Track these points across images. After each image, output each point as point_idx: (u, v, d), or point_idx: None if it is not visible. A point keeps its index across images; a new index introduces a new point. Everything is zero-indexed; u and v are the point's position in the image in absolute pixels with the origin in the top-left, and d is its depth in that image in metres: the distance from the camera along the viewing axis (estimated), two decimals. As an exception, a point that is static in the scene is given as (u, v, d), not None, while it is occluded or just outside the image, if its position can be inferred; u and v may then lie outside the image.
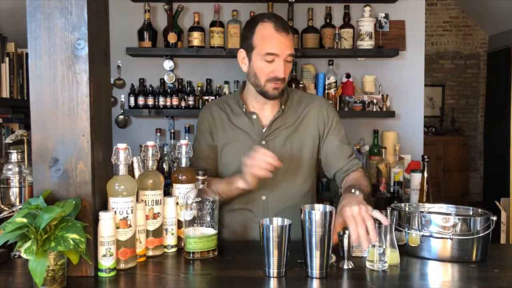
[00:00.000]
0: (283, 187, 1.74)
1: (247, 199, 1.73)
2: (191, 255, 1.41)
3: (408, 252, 1.47)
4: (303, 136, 1.77)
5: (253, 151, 1.55)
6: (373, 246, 1.33)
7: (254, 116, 1.77)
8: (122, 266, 1.32)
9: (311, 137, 1.78)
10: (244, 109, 1.77)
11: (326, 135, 1.79)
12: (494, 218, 1.45)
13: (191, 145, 1.59)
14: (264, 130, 1.76)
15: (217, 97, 3.02)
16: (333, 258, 1.36)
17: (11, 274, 1.33)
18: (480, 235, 1.41)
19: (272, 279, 1.26)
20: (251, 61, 1.70)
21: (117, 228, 1.30)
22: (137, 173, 1.59)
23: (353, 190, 1.52)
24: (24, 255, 1.12)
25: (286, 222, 1.30)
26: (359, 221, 1.33)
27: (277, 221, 1.32)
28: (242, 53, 1.74)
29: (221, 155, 1.79)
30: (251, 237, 1.73)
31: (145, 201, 1.43)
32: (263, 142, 1.74)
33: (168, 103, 3.01)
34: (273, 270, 1.26)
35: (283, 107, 1.77)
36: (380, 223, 1.35)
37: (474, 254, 1.41)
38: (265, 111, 1.78)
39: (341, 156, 1.77)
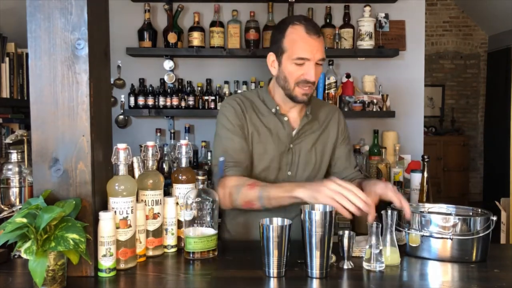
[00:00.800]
0: None
1: None
2: (191, 255, 1.41)
3: (408, 252, 1.47)
4: (325, 143, 1.81)
5: (344, 183, 1.40)
6: (370, 246, 1.33)
7: (286, 118, 1.74)
8: (122, 266, 1.32)
9: (332, 144, 1.83)
10: (276, 109, 1.74)
11: (339, 144, 1.85)
12: (494, 218, 1.45)
13: (191, 145, 1.59)
14: (293, 133, 1.75)
15: (217, 97, 3.02)
16: (333, 258, 1.36)
17: (11, 274, 1.33)
18: (480, 235, 1.41)
19: (272, 279, 1.26)
20: (281, 64, 1.67)
21: (117, 228, 1.30)
22: (137, 173, 1.59)
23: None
24: (24, 255, 1.12)
25: (286, 222, 1.30)
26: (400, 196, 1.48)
27: (277, 221, 1.32)
28: (271, 57, 1.71)
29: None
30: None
31: (145, 201, 1.43)
32: (291, 146, 1.74)
33: (168, 103, 3.01)
34: (273, 270, 1.26)
35: (308, 112, 1.77)
36: (378, 223, 1.35)
37: (474, 254, 1.41)
38: (292, 114, 1.77)
39: (349, 166, 1.86)
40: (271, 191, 1.54)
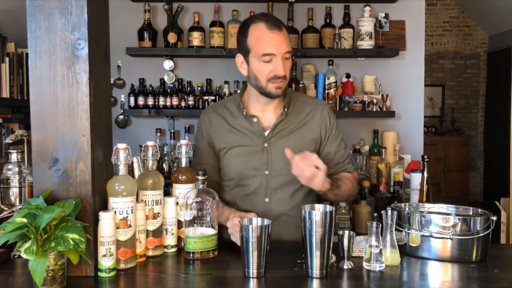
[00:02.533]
0: (286, 189, 1.75)
1: (251, 202, 1.74)
2: (191, 255, 1.41)
3: (408, 252, 1.47)
4: (306, 140, 1.78)
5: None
6: (370, 246, 1.33)
7: (255, 119, 1.75)
8: (122, 266, 1.32)
9: (313, 141, 1.79)
10: (244, 112, 1.76)
11: (326, 140, 1.81)
12: (494, 218, 1.45)
13: (191, 145, 1.60)
14: (266, 132, 1.75)
15: (217, 97, 3.02)
16: (333, 258, 1.36)
17: (11, 274, 1.33)
18: (480, 235, 1.41)
19: (271, 279, 1.26)
20: (249, 64, 1.69)
21: (117, 228, 1.30)
22: (137, 173, 1.59)
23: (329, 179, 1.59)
24: (24, 255, 1.12)
25: (266, 222, 1.29)
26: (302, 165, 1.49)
27: (256, 221, 1.32)
28: (240, 58, 1.73)
29: (223, 159, 1.77)
30: None
31: (145, 201, 1.43)
32: (266, 145, 1.74)
33: (168, 103, 3.01)
34: (253, 270, 1.26)
35: (286, 110, 1.76)
36: (378, 223, 1.35)
37: (474, 254, 1.41)
38: (267, 113, 1.77)
39: (336, 161, 1.82)
40: (221, 211, 1.63)
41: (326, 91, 3.00)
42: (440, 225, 1.42)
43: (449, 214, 1.51)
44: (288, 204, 1.75)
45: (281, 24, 1.67)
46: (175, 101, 3.00)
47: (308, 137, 1.78)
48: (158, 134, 3.09)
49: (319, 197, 1.86)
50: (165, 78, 3.11)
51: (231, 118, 1.78)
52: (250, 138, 1.75)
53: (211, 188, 1.60)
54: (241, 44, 1.70)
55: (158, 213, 1.44)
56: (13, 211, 1.48)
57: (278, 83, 1.66)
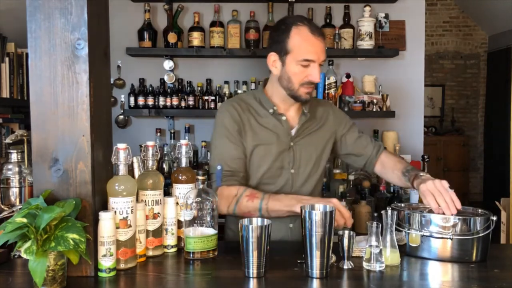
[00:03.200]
0: (307, 187, 1.77)
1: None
2: (191, 255, 1.41)
3: (408, 252, 1.47)
4: (323, 140, 1.82)
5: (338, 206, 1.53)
6: (370, 246, 1.33)
7: (284, 118, 1.75)
8: (122, 266, 1.32)
9: (330, 139, 1.84)
10: (273, 110, 1.74)
11: (346, 132, 1.86)
12: (494, 218, 1.45)
13: (191, 145, 1.59)
14: (293, 131, 1.76)
15: (217, 97, 3.02)
16: (333, 258, 1.36)
17: (11, 274, 1.33)
18: (480, 235, 1.41)
19: (271, 279, 1.26)
20: (284, 65, 1.67)
21: (117, 228, 1.30)
22: (137, 173, 1.59)
23: (420, 174, 1.65)
24: (24, 255, 1.12)
25: (266, 222, 1.29)
26: (437, 193, 1.48)
27: (256, 221, 1.32)
28: (273, 56, 1.70)
29: (250, 157, 1.73)
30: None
31: (145, 201, 1.43)
32: (291, 144, 1.75)
33: (168, 103, 3.01)
34: (253, 270, 1.26)
35: (305, 111, 1.77)
36: (378, 223, 1.35)
37: (474, 254, 1.41)
38: (290, 113, 1.78)
39: (366, 143, 1.87)
40: (270, 204, 1.60)
41: (326, 91, 3.00)
42: (440, 225, 1.42)
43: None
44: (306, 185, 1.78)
45: (322, 31, 1.70)
46: (175, 101, 3.00)
47: (326, 136, 1.83)
48: (158, 134, 3.09)
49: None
50: (165, 78, 3.11)
51: (256, 115, 1.76)
52: (277, 136, 1.74)
53: (242, 183, 1.65)
54: (279, 44, 1.67)
55: (158, 213, 1.44)
56: (13, 211, 1.48)
57: (309, 89, 1.69)
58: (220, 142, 1.72)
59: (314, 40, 1.63)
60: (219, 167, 1.68)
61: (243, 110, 1.74)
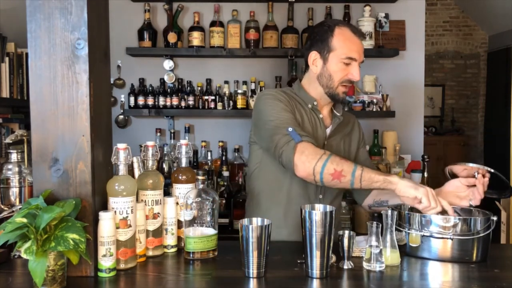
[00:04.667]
0: (328, 187, 1.72)
1: (304, 199, 1.71)
2: (191, 255, 1.41)
3: (408, 252, 1.47)
4: (350, 145, 1.85)
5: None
6: (370, 246, 1.33)
7: (321, 115, 1.77)
8: (122, 266, 1.32)
9: (355, 147, 1.87)
10: (313, 105, 1.75)
11: (362, 145, 1.92)
12: (495, 218, 1.45)
13: (191, 145, 1.59)
14: (327, 130, 1.77)
15: (217, 97, 3.02)
16: (333, 258, 1.36)
17: (11, 274, 1.33)
18: (481, 235, 1.41)
19: (271, 279, 1.26)
20: (326, 63, 1.70)
21: (117, 228, 1.30)
22: (137, 173, 1.59)
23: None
24: (24, 255, 1.12)
25: (266, 222, 1.29)
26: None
27: (256, 221, 1.32)
28: (314, 55, 1.72)
29: None
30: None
31: (145, 201, 1.43)
32: (325, 142, 1.76)
33: (168, 103, 3.01)
34: (253, 270, 1.26)
35: (339, 114, 1.81)
36: (378, 223, 1.35)
37: (474, 254, 1.41)
38: (324, 112, 1.80)
39: (371, 166, 1.85)
40: (367, 169, 1.52)
41: (326, 91, 3.00)
42: (440, 225, 1.41)
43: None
44: (333, 203, 1.77)
45: (363, 33, 1.74)
46: (175, 101, 3.00)
47: (352, 143, 1.86)
48: (158, 134, 3.09)
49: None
50: (165, 78, 3.11)
51: (299, 105, 1.75)
52: (316, 131, 1.74)
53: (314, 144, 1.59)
54: (322, 42, 1.69)
55: (158, 213, 1.44)
56: (13, 211, 1.48)
57: (347, 88, 1.72)
58: (280, 113, 1.65)
59: (356, 40, 1.69)
60: (290, 128, 1.59)
61: (288, 97, 1.73)
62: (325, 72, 1.70)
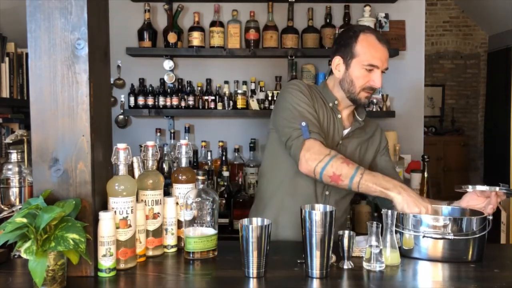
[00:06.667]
0: (335, 188, 1.73)
1: (310, 197, 1.72)
2: (191, 255, 1.41)
3: (405, 253, 1.47)
4: (367, 149, 1.84)
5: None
6: (370, 246, 1.33)
7: (339, 116, 1.77)
8: (122, 266, 1.32)
9: (372, 153, 1.85)
10: (333, 104, 1.76)
11: (383, 152, 1.89)
12: (491, 217, 1.46)
13: (191, 145, 1.59)
14: (345, 131, 1.77)
15: (217, 97, 3.02)
16: (333, 258, 1.36)
17: (11, 274, 1.33)
18: (477, 235, 1.41)
19: (271, 279, 1.26)
20: (349, 68, 1.70)
21: (117, 228, 1.30)
22: (137, 173, 1.59)
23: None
24: (24, 255, 1.12)
25: (266, 222, 1.29)
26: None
27: (256, 221, 1.32)
28: (337, 60, 1.73)
29: None
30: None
31: (145, 201, 1.43)
32: (340, 142, 1.76)
33: (168, 103, 3.01)
34: (253, 270, 1.26)
35: (360, 119, 1.81)
36: (378, 223, 1.35)
37: (470, 254, 1.41)
38: (344, 113, 1.80)
39: (391, 172, 1.85)
40: (366, 176, 1.54)
41: (326, 91, 3.00)
42: (435, 225, 1.41)
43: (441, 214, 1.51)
44: (341, 202, 1.78)
45: (388, 41, 1.73)
46: (175, 101, 3.00)
47: (369, 148, 1.85)
48: (158, 134, 3.09)
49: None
50: (165, 78, 3.11)
51: (320, 101, 1.76)
52: (332, 130, 1.74)
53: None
54: (346, 48, 1.70)
55: (158, 213, 1.44)
56: (13, 211, 1.48)
57: (369, 94, 1.71)
58: (299, 105, 1.68)
59: (380, 47, 1.67)
60: (303, 123, 1.63)
61: (311, 91, 1.75)
62: (347, 78, 1.71)
